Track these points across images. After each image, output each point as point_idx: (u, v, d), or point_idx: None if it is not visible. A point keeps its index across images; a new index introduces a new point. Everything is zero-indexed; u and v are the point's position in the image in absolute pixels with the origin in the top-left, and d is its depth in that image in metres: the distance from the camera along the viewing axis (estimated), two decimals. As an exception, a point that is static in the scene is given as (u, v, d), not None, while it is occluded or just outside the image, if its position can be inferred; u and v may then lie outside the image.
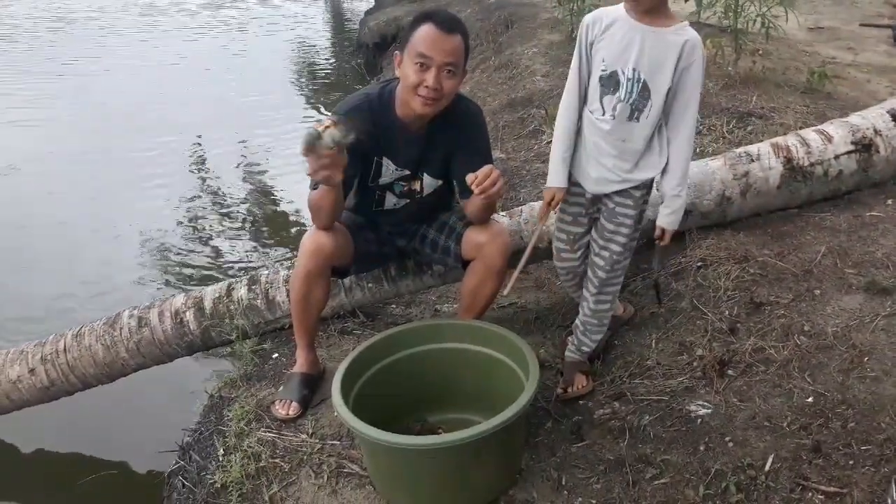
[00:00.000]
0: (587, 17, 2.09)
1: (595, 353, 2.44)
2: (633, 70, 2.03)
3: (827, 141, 2.93)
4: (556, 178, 2.24)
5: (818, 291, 2.44)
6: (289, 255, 4.65)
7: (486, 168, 2.07)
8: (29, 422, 3.03)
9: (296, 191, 5.49)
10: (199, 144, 6.65)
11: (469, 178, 2.06)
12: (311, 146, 1.94)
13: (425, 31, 2.14)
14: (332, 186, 2.12)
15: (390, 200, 2.47)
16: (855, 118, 3.03)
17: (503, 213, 2.86)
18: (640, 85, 2.04)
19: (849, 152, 2.91)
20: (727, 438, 2.01)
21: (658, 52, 2.02)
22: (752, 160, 2.88)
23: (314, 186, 2.28)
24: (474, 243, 2.38)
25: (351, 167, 2.20)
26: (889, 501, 1.62)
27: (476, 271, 2.39)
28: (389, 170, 2.37)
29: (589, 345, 2.41)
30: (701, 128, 4.02)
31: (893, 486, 1.62)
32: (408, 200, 2.47)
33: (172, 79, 8.67)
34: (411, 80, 2.16)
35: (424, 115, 2.23)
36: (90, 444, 3.14)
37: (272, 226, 5.27)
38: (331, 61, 10.15)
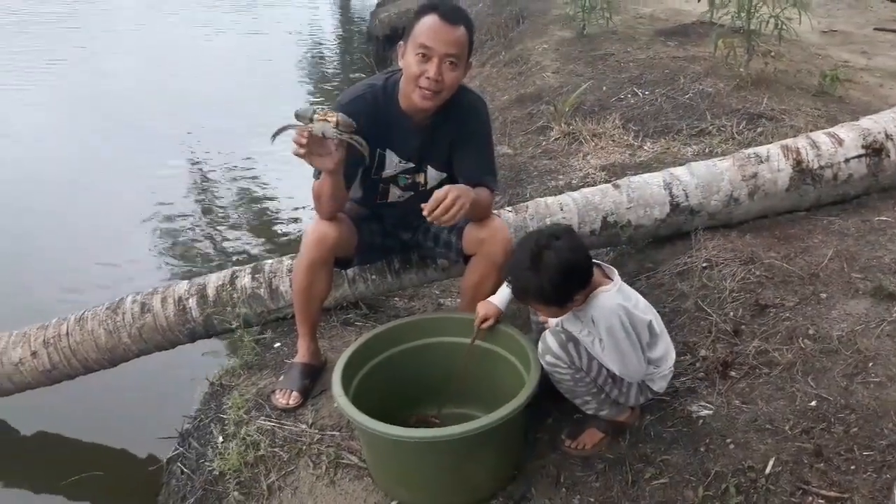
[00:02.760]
0: None
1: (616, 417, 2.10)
2: None
3: (837, 144, 2.91)
4: (498, 297, 2.19)
5: (824, 295, 2.42)
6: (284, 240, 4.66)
7: (440, 193, 2.03)
8: (30, 406, 3.03)
9: (298, 184, 5.49)
10: (203, 136, 6.63)
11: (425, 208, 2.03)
12: (299, 119, 1.99)
13: (428, 22, 2.12)
14: (327, 173, 2.13)
15: (394, 193, 2.46)
16: (866, 122, 3.01)
17: (509, 209, 2.84)
18: None
19: (859, 156, 2.89)
20: (728, 440, 2.00)
21: None
22: (762, 161, 2.87)
23: (317, 175, 2.27)
24: (475, 239, 2.36)
25: (353, 158, 2.20)
26: (890, 507, 1.61)
27: (477, 267, 2.37)
28: (393, 162, 2.36)
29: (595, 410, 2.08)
30: (710, 128, 4.02)
31: (895, 491, 1.61)
32: (412, 193, 2.46)
33: (175, 69, 8.61)
34: (412, 71, 2.15)
35: (426, 107, 2.22)
36: (91, 428, 3.15)
37: (274, 219, 5.26)
38: (338, 53, 10.13)
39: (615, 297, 1.96)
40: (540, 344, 1.99)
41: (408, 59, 2.17)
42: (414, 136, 2.32)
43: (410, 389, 2.27)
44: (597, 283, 1.97)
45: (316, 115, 1.99)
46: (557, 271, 1.86)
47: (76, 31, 10.67)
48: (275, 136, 2.06)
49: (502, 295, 2.19)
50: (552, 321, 2.06)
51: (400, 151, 2.35)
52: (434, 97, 2.18)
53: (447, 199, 2.02)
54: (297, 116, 2.00)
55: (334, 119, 1.99)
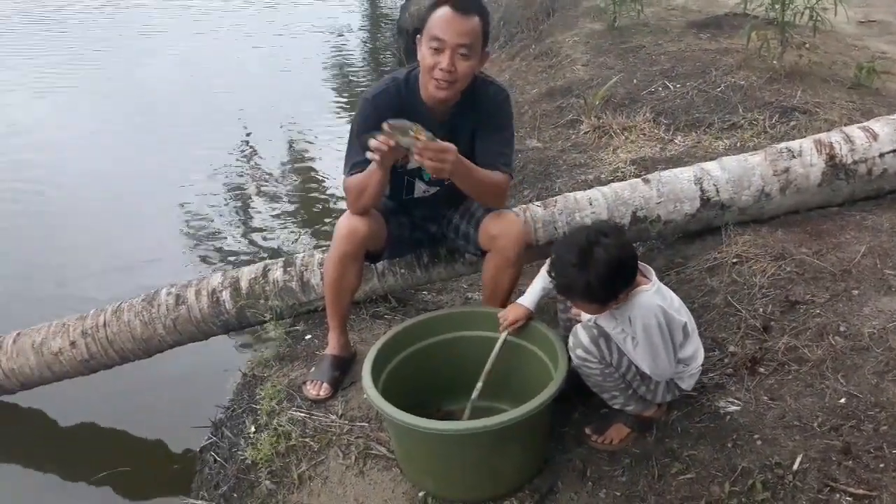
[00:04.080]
0: None
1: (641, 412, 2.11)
2: None
3: (872, 138, 2.86)
4: (528, 298, 2.21)
5: (856, 292, 2.40)
6: (324, 240, 4.70)
7: (440, 144, 2.06)
8: (67, 395, 3.12)
9: (333, 177, 5.55)
10: (242, 129, 6.73)
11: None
12: (396, 133, 2.01)
13: (440, 14, 2.15)
14: (382, 168, 2.16)
15: (419, 187, 2.49)
16: (902, 115, 2.96)
17: (538, 204, 2.85)
18: None
19: (894, 151, 2.84)
20: (756, 436, 2.00)
21: None
22: (794, 156, 2.84)
23: (351, 172, 2.31)
24: (488, 235, 2.39)
25: None
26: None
27: (492, 262, 2.41)
28: None
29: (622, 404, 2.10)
30: (742, 122, 3.98)
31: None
32: (438, 188, 2.49)
33: (204, 69, 8.66)
34: (427, 62, 2.18)
35: (441, 98, 2.24)
36: (126, 417, 3.22)
37: (311, 211, 5.31)
38: (367, 48, 10.17)
39: (654, 297, 1.97)
40: (571, 338, 2.00)
41: (423, 51, 2.20)
42: (436, 128, 2.34)
43: (439, 382, 2.30)
44: (637, 282, 1.98)
45: (411, 131, 2.01)
46: (606, 269, 1.85)
47: (102, 30, 10.80)
48: (368, 137, 2.09)
49: (532, 294, 2.20)
50: (585, 316, 2.07)
51: None
52: (449, 87, 2.20)
53: (441, 147, 2.05)
54: (393, 127, 2.02)
55: (423, 138, 2.03)
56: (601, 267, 1.85)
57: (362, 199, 2.31)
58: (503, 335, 2.20)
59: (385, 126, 2.02)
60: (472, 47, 2.17)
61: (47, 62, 9.03)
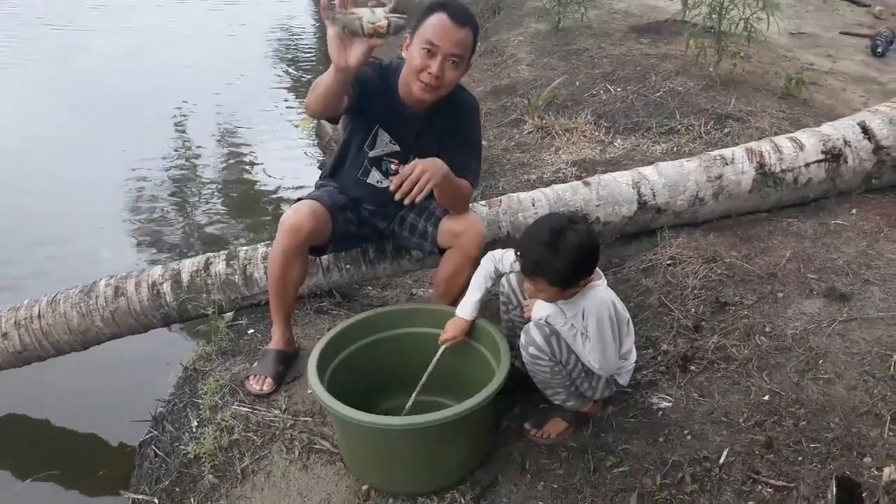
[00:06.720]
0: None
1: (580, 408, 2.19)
2: None
3: (799, 149, 3.02)
4: (466, 309, 2.23)
5: (781, 294, 2.53)
6: (265, 233, 4.67)
7: (407, 168, 2.11)
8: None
9: (275, 170, 5.50)
10: (180, 119, 6.58)
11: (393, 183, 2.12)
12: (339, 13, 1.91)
13: (437, 20, 2.19)
14: (339, 70, 2.02)
15: (374, 176, 2.52)
16: (827, 128, 3.12)
17: (482, 203, 2.91)
18: None
19: (819, 161, 3.00)
20: (686, 431, 2.10)
21: None
22: (727, 163, 2.97)
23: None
24: (451, 232, 2.43)
25: (353, 94, 2.21)
26: (829, 496, 1.72)
27: (452, 260, 2.44)
28: (384, 141, 2.44)
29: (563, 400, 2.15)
30: (679, 127, 4.12)
31: (833, 482, 1.71)
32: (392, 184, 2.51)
33: (151, 65, 8.37)
34: (416, 63, 2.22)
35: (422, 99, 2.28)
36: (60, 409, 3.13)
37: (251, 204, 5.25)
38: (315, 43, 10.05)
39: (607, 291, 2.07)
40: (523, 336, 2.06)
41: (413, 51, 2.23)
42: (407, 123, 2.39)
43: (383, 377, 2.33)
44: (591, 277, 2.07)
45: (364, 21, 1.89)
46: (576, 252, 1.93)
47: (51, 15, 10.41)
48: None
49: (471, 302, 2.23)
50: (535, 314, 2.12)
51: (391, 132, 2.43)
52: (433, 92, 2.25)
53: (413, 174, 2.09)
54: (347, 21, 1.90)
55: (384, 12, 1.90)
56: (572, 249, 1.93)
57: (313, 97, 2.18)
58: (441, 349, 2.23)
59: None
60: (462, 57, 2.23)
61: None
